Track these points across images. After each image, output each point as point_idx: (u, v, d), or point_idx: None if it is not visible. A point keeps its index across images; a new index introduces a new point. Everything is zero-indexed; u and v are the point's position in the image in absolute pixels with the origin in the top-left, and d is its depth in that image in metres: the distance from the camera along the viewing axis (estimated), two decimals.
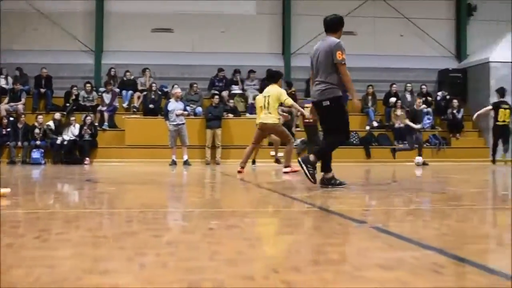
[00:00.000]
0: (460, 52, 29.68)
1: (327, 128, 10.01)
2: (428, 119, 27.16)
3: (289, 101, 15.56)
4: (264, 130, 15.74)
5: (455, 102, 27.06)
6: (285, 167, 15.54)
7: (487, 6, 29.55)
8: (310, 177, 9.79)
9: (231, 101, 26.23)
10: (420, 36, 29.13)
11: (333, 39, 9.71)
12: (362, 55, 28.22)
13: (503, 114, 21.57)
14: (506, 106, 21.71)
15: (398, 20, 29.02)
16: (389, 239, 4.62)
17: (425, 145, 26.17)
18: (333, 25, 9.93)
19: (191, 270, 3.40)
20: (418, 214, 6.78)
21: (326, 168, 9.83)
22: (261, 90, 26.34)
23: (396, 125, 25.80)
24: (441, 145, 26.35)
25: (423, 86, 27.97)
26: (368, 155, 25.26)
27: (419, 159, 22.30)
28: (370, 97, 27.19)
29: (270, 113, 15.28)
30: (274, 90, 15.36)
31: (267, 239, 4.88)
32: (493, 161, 21.83)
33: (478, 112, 22.34)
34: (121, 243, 4.42)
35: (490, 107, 21.96)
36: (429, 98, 27.78)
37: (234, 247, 4.22)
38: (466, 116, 27.53)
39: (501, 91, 22.07)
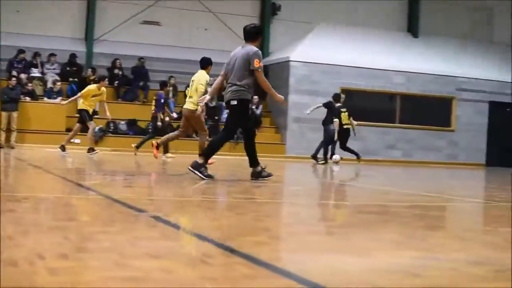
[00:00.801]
0: (262, 49, 30.17)
1: (225, 125, 10.73)
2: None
3: (202, 89, 15.32)
4: (184, 116, 15.58)
5: (255, 98, 27.50)
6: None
7: (291, 7, 30.23)
8: (206, 177, 9.94)
9: (30, 84, 25.48)
10: (225, 31, 29.38)
11: (251, 47, 10.29)
12: (165, 45, 28.26)
13: (344, 117, 22.24)
14: (344, 110, 22.35)
15: (203, 13, 29.14)
16: (165, 229, 4.61)
17: None
18: (252, 34, 10.53)
19: None
20: (202, 205, 6.82)
21: (253, 162, 10.45)
22: (61, 75, 25.93)
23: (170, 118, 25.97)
24: (239, 139, 26.72)
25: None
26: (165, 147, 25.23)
27: (336, 157, 22.56)
28: (171, 88, 27.14)
29: (191, 97, 15.12)
30: (200, 76, 15.32)
31: (42, 225, 4.73)
32: (326, 160, 22.19)
33: (311, 108, 22.69)
34: None
35: (320, 105, 22.48)
36: None
37: (5, 232, 4.06)
38: (265, 113, 28.12)
39: (338, 97, 22.71)
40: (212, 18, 29.32)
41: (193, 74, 27.34)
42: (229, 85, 10.40)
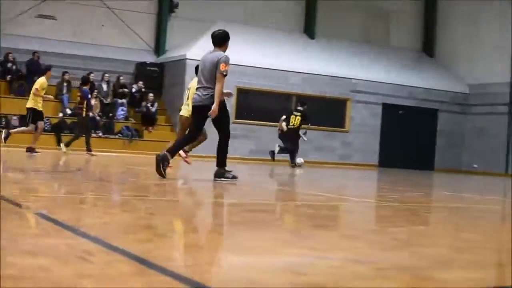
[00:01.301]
0: (159, 47, 30.01)
1: (217, 128, 11.13)
2: (122, 110, 27.23)
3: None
4: (181, 122, 15.72)
5: (151, 95, 27.36)
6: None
7: (189, 5, 30.07)
8: (233, 178, 10.94)
9: None
10: (121, 27, 29.09)
11: (220, 53, 10.89)
12: (60, 40, 27.81)
13: (293, 120, 22.68)
14: (298, 114, 22.72)
15: (100, 9, 28.79)
16: (48, 226, 4.48)
17: (117, 136, 26.21)
18: (220, 39, 11.09)
19: None
20: (89, 202, 6.71)
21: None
22: None
23: (91, 115, 25.59)
24: (133, 137, 26.52)
25: (121, 77, 28.00)
26: (59, 142, 24.79)
27: (300, 159, 22.69)
28: (65, 84, 26.72)
29: (188, 105, 15.12)
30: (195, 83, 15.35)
31: None
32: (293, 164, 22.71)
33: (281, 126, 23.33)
34: None
35: (284, 116, 23.16)
36: (125, 90, 27.86)
37: None
38: (160, 110, 27.95)
39: (302, 102, 23.36)
40: (109, 14, 28.97)
41: (88, 70, 27.30)
42: (202, 88, 10.86)
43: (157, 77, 28.94)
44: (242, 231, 5.14)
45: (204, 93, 10.78)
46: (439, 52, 35.15)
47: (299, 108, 23.15)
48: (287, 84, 28.79)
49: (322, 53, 30.64)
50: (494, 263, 4.24)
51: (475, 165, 32.20)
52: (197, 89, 11.05)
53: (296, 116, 22.87)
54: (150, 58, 29.64)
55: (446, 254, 4.52)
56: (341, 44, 31.62)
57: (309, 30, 31.93)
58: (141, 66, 28.99)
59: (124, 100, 27.45)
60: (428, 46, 35.20)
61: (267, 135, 28.07)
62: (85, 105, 20.52)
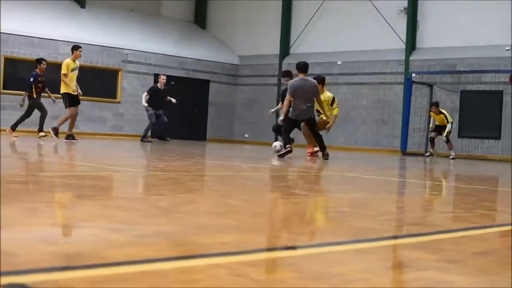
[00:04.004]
0: None
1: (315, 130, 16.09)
2: None
3: None
4: None
5: None
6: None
7: None
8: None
9: None
10: None
11: (313, 81, 15.66)
12: None
13: None
14: None
15: None
16: None
17: None
18: (306, 68, 15.48)
19: None
20: None
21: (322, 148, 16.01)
22: None
23: None
24: None
25: None
26: None
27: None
28: None
29: None
30: None
31: None
32: None
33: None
34: None
35: None
36: None
37: None
38: None
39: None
40: None
41: None
42: (305, 106, 15.42)
43: None
44: None
45: (307, 108, 15.40)
46: (210, 24, 35.58)
47: None
48: (58, 54, 28.09)
49: (93, 22, 30.09)
50: (250, 227, 4.34)
51: (247, 135, 33.03)
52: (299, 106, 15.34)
53: None
54: None
55: (205, 220, 4.58)
56: (112, 13, 31.24)
57: None
58: None
59: None
60: (200, 18, 35.54)
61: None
62: None
